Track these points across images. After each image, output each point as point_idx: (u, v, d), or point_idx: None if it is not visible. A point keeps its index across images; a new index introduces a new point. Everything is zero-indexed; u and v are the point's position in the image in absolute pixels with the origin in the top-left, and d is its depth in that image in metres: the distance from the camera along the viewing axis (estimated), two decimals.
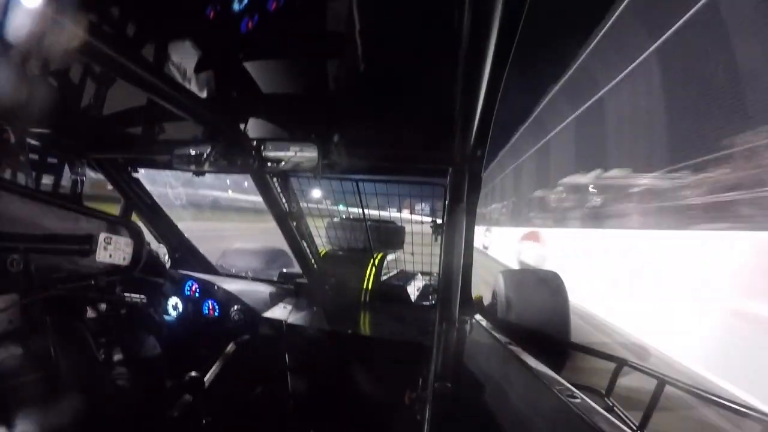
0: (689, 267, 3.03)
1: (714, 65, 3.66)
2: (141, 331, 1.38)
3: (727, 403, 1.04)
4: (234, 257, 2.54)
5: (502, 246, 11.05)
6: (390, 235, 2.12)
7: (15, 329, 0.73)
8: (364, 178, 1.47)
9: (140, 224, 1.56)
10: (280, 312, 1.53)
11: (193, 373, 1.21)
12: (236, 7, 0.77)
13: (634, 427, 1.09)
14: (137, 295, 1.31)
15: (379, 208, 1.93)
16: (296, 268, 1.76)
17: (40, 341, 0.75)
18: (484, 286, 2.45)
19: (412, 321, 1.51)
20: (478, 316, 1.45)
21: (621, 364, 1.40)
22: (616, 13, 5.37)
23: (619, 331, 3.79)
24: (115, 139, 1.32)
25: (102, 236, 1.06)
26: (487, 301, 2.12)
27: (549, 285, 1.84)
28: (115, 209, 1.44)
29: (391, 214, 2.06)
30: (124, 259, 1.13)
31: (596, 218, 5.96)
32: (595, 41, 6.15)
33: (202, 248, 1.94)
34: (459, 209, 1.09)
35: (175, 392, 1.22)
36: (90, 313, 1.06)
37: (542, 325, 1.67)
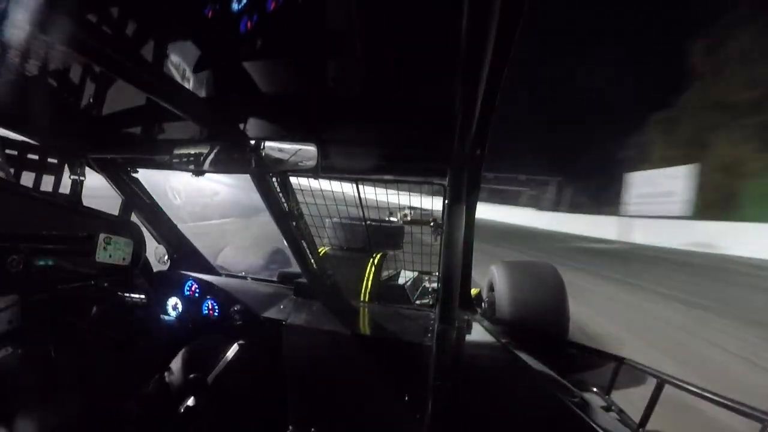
0: None
1: None
2: (141, 331, 1.38)
3: (727, 403, 1.04)
4: (233, 256, 2.54)
5: None
6: (389, 235, 2.12)
7: (15, 329, 0.73)
8: (364, 177, 1.47)
9: (140, 224, 1.56)
10: (279, 312, 1.53)
11: (194, 375, 1.21)
12: (235, 6, 0.77)
13: (634, 426, 1.09)
14: (137, 295, 1.31)
15: (379, 207, 1.93)
16: (295, 268, 1.76)
17: (40, 341, 0.75)
18: None
19: (412, 321, 1.51)
20: (477, 316, 1.45)
21: (620, 363, 1.40)
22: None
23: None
24: (115, 139, 1.32)
25: (102, 236, 1.06)
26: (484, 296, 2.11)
27: (544, 276, 1.83)
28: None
29: (391, 213, 2.06)
30: (123, 259, 1.13)
31: None
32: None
33: (202, 248, 1.94)
34: (459, 209, 1.09)
35: (177, 392, 1.22)
36: (90, 313, 1.06)
37: (540, 319, 1.67)
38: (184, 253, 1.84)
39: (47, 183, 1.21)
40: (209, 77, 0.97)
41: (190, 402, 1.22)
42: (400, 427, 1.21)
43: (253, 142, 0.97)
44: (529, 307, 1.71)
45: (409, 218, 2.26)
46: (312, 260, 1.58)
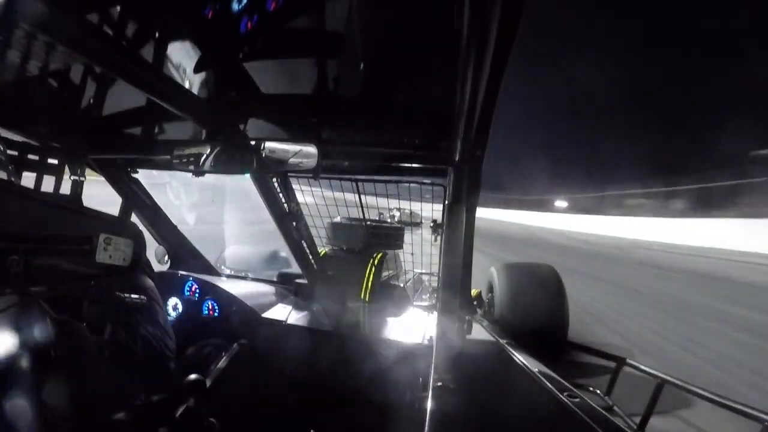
0: None
1: None
2: (141, 332, 1.38)
3: (728, 403, 1.04)
4: (234, 257, 2.54)
5: None
6: (390, 235, 2.12)
7: (15, 329, 0.73)
8: (364, 178, 1.47)
9: (140, 224, 1.55)
10: (280, 312, 1.53)
11: (194, 376, 1.21)
12: (235, 6, 0.77)
13: (634, 427, 1.09)
14: (137, 296, 1.31)
15: (379, 208, 1.93)
16: (296, 269, 1.76)
17: (40, 341, 0.75)
18: None
19: (412, 321, 1.51)
20: (477, 316, 1.45)
21: (621, 363, 1.40)
22: None
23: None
24: (115, 140, 1.32)
25: (102, 236, 1.06)
26: (484, 297, 2.11)
27: (544, 279, 1.84)
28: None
29: (391, 213, 2.05)
30: (124, 259, 1.12)
31: None
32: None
33: (202, 248, 1.94)
34: (459, 209, 1.09)
35: (176, 393, 1.22)
36: (90, 314, 1.06)
37: (540, 320, 1.67)
38: (184, 253, 1.84)
39: (47, 183, 1.21)
40: (209, 77, 0.97)
41: (190, 402, 1.21)
42: (400, 427, 1.20)
43: (253, 142, 0.97)
44: (529, 308, 1.71)
45: (397, 219, 2.25)
46: (312, 260, 1.58)
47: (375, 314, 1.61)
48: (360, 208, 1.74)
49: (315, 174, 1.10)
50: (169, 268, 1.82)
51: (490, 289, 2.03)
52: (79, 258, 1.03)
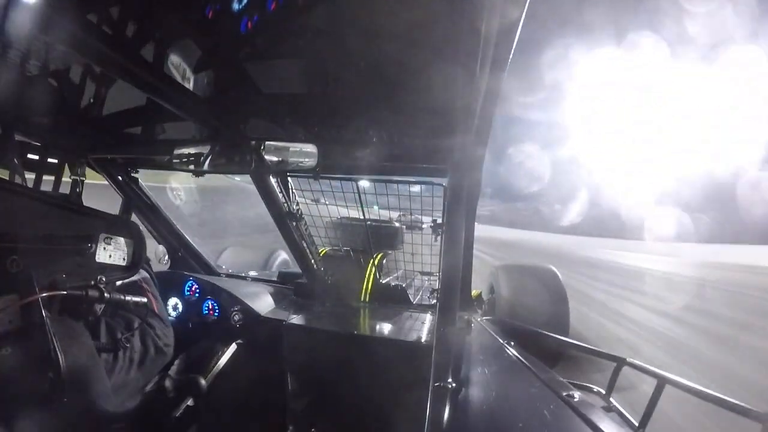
0: None
1: None
2: (141, 331, 1.38)
3: (728, 402, 1.04)
4: (234, 257, 2.54)
5: None
6: (390, 235, 2.12)
7: (15, 329, 0.73)
8: (364, 178, 1.47)
9: (140, 224, 1.56)
10: (279, 312, 1.53)
11: (194, 376, 1.21)
12: (235, 6, 0.77)
13: (635, 427, 1.09)
14: (137, 296, 1.31)
15: (379, 208, 1.93)
16: (296, 269, 1.76)
17: (40, 341, 0.75)
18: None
19: (412, 321, 1.51)
20: (477, 316, 1.45)
21: (621, 363, 1.40)
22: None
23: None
24: (115, 139, 1.32)
25: (102, 236, 1.06)
26: (485, 298, 2.11)
27: (546, 281, 1.84)
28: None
29: (391, 214, 2.05)
30: (124, 259, 1.13)
31: None
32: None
33: (202, 248, 1.94)
34: (459, 209, 1.09)
35: (177, 393, 1.22)
36: (90, 314, 1.06)
37: (540, 321, 1.68)
38: (184, 253, 1.84)
39: (47, 183, 1.21)
40: (209, 77, 0.97)
41: (190, 402, 1.22)
42: (400, 427, 1.20)
43: (253, 142, 0.97)
44: (529, 311, 1.71)
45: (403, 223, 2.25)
46: (312, 260, 1.58)
47: (375, 314, 1.61)
48: (360, 208, 1.74)
49: (315, 174, 1.11)
50: (169, 268, 1.82)
51: (491, 289, 2.03)
52: (79, 258, 1.03)
